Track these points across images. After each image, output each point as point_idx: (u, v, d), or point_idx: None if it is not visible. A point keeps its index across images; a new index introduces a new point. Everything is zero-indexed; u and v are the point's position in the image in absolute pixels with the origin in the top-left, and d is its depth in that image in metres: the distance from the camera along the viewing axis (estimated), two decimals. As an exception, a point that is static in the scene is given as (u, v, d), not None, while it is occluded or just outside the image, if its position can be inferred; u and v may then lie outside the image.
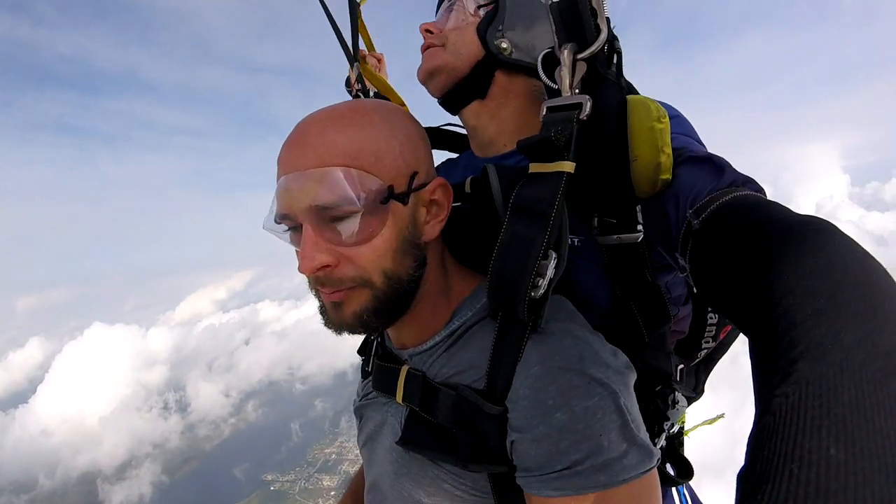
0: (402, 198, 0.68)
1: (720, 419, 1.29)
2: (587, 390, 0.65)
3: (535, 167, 0.72)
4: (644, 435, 0.68)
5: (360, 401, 0.94)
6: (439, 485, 0.73)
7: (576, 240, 0.85)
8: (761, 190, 0.72)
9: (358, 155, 0.65)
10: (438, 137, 1.07)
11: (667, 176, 0.73)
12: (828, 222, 0.52)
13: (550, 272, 0.66)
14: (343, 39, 1.18)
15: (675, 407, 0.95)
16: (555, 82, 0.76)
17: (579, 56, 0.73)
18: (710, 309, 1.03)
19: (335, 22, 1.18)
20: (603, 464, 0.62)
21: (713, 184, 0.71)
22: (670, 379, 0.93)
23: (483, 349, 0.71)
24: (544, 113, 0.73)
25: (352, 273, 0.68)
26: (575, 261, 0.85)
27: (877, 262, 0.46)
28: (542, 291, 0.65)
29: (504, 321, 0.70)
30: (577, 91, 0.72)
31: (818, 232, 0.50)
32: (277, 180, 0.68)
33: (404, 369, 0.78)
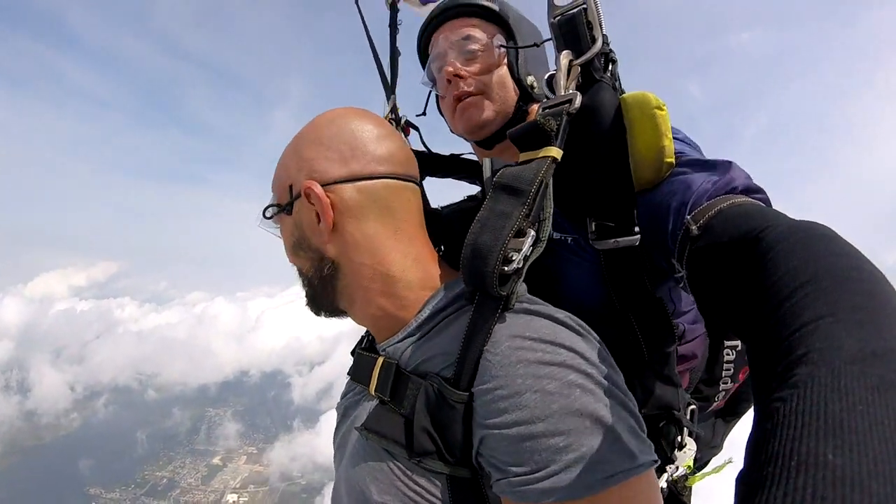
0: (284, 209, 0.80)
1: (728, 465, 1.14)
2: (562, 366, 0.61)
3: (523, 155, 0.74)
4: (642, 432, 0.64)
5: (341, 399, 0.94)
6: (392, 482, 0.69)
7: (569, 238, 0.86)
8: (766, 200, 0.72)
9: (274, 182, 0.85)
10: (457, 165, 1.09)
11: (671, 159, 0.74)
12: (826, 227, 0.52)
13: (526, 249, 0.65)
14: (383, 72, 1.24)
15: (681, 450, 0.89)
16: (554, 93, 0.79)
17: (575, 62, 0.78)
18: (725, 344, 1.03)
19: (377, 54, 1.24)
20: (587, 453, 0.57)
21: (714, 189, 0.71)
22: (675, 414, 0.87)
23: (456, 335, 0.69)
24: (539, 112, 0.75)
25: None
26: (566, 256, 0.87)
27: (875, 266, 0.45)
28: (515, 266, 0.64)
29: (479, 303, 0.68)
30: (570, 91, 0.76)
31: (818, 237, 0.50)
32: None
33: (380, 360, 0.79)
